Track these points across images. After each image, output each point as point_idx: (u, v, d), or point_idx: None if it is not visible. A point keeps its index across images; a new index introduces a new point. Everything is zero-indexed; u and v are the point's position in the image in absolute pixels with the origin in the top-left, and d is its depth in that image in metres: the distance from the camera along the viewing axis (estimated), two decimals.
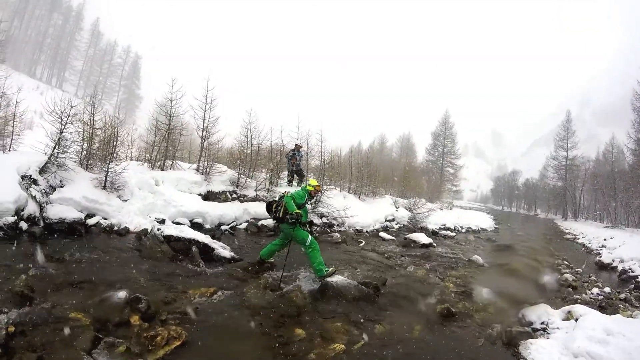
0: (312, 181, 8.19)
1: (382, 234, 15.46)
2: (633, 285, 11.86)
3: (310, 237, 7.36)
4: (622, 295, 10.04)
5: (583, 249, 22.46)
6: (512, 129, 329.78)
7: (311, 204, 8.88)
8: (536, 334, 6.11)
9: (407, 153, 71.70)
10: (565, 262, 14.75)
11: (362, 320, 5.74)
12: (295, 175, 16.88)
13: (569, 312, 6.65)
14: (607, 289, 10.52)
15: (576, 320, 6.24)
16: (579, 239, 28.08)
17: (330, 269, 7.16)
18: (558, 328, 6.22)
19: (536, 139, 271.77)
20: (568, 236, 30.29)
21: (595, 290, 10.24)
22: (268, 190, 14.64)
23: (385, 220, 18.50)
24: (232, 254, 8.30)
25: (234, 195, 13.52)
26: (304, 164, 18.15)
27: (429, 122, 68.12)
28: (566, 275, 11.59)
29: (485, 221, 31.28)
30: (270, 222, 12.78)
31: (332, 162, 19.57)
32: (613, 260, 15.81)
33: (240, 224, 12.39)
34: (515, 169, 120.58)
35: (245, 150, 15.78)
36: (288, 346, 4.60)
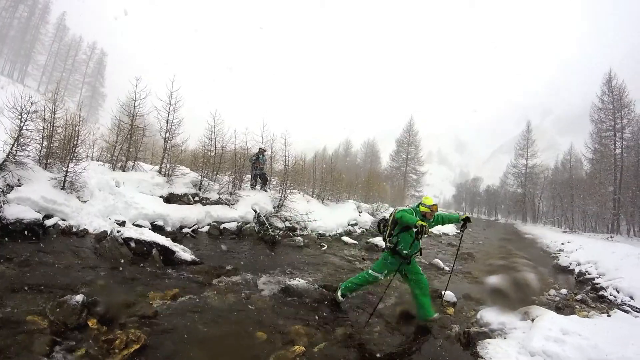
0: (428, 199, 6.24)
1: (345, 238, 15.53)
2: (589, 287, 12.33)
3: (383, 272, 6.42)
4: (579, 297, 10.37)
5: (542, 252, 23.09)
6: (476, 137, 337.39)
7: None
8: (494, 334, 6.25)
9: (371, 159, 72.66)
10: (524, 260, 15.04)
11: (323, 323, 5.78)
12: (258, 179, 16.85)
13: (525, 312, 6.86)
14: (564, 291, 10.90)
15: (533, 320, 6.44)
16: (538, 242, 28.94)
17: (435, 315, 6.32)
18: (515, 328, 6.38)
19: (499, 146, 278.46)
20: (527, 240, 31.19)
21: (552, 291, 10.60)
22: (231, 194, 14.51)
23: (348, 225, 18.59)
24: (194, 257, 8.20)
25: (197, 198, 13.38)
26: (268, 168, 18.12)
27: (394, 130, 68.94)
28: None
29: (446, 226, 31.79)
30: (232, 225, 12.73)
31: (296, 167, 19.57)
32: (570, 264, 16.36)
33: (202, 227, 12.28)
34: (477, 176, 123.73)
35: (208, 153, 15.59)
36: (248, 349, 4.60)
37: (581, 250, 19.58)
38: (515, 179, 62.57)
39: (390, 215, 6.31)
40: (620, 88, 40.33)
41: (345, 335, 5.50)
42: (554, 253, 21.47)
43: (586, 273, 14.27)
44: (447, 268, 12.17)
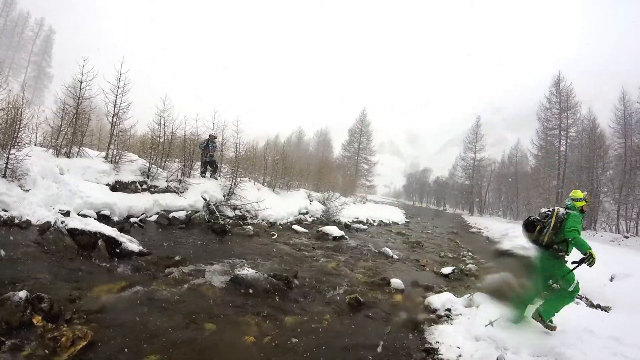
0: (578, 193, 6.02)
1: (296, 227, 15.55)
2: None
3: (575, 283, 5.50)
4: None
5: (487, 241, 24.10)
6: (428, 130, 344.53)
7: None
8: (440, 320, 6.49)
9: (324, 148, 72.79)
10: (470, 254, 15.75)
11: (272, 313, 5.80)
12: (208, 167, 16.51)
13: (470, 299, 7.19)
14: None
15: (477, 307, 6.74)
16: (483, 232, 30.24)
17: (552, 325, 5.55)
18: (461, 314, 6.67)
19: (449, 140, 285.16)
20: (473, 230, 32.58)
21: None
22: (180, 182, 14.17)
23: (299, 213, 18.67)
24: (141, 247, 7.97)
25: (145, 186, 12.95)
26: (219, 155, 17.78)
27: (348, 120, 69.19)
28: (470, 265, 12.36)
29: (396, 215, 32.51)
30: (182, 214, 12.45)
31: (248, 154, 19.38)
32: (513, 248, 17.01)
33: (151, 216, 11.92)
34: (427, 167, 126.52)
35: (157, 139, 15.06)
36: (198, 341, 4.57)
37: (523, 239, 20.43)
38: (463, 171, 64.73)
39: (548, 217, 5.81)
40: (567, 90, 42.94)
41: (295, 324, 5.55)
42: (498, 241, 22.25)
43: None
44: (395, 256, 12.41)
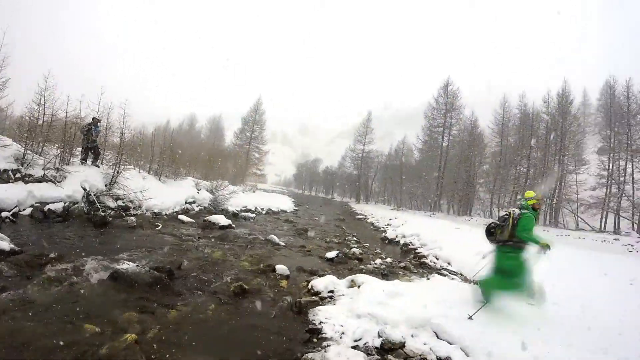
0: (530, 193, 6.76)
1: (182, 217, 15.30)
2: (412, 256, 13.97)
3: (525, 273, 6.27)
4: (402, 264, 11.76)
5: (372, 227, 25.34)
6: (321, 122, 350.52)
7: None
8: (324, 301, 6.81)
9: (215, 135, 71.54)
10: (355, 239, 16.65)
11: (155, 307, 5.67)
12: (90, 153, 15.23)
13: (352, 280, 7.66)
14: (389, 260, 12.20)
15: (359, 287, 7.20)
16: (369, 219, 31.73)
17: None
18: (343, 295, 7.08)
19: (341, 132, 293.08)
20: (360, 217, 33.99)
21: (379, 261, 11.79)
22: (58, 170, 12.98)
23: (186, 203, 18.28)
24: (12, 245, 7.31)
25: (18, 175, 11.69)
26: (102, 140, 16.50)
27: (242, 109, 68.18)
28: (354, 249, 13.06)
29: (285, 203, 32.98)
30: (59, 206, 11.51)
31: (134, 140, 18.56)
32: (396, 236, 18.40)
33: (24, 209, 10.76)
34: (318, 157, 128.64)
35: (36, 121, 13.63)
36: (77, 345, 4.30)
37: (407, 225, 22.08)
38: (352, 161, 69.06)
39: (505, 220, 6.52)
40: (454, 93, 48.37)
41: (179, 317, 5.49)
42: (383, 228, 23.44)
43: (410, 244, 16.26)
44: (282, 243, 12.67)
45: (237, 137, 58.51)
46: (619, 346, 5.17)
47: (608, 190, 32.25)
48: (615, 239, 22.22)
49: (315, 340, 5.24)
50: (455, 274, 11.33)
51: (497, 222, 6.71)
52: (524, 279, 6.22)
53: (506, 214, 6.64)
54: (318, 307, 6.27)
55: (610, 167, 32.48)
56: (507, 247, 6.40)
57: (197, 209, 18.58)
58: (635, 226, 28.20)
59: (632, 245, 19.93)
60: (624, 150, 31.67)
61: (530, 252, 6.16)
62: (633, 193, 29.63)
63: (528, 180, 36.69)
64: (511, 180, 38.90)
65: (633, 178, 30.06)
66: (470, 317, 5.86)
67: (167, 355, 4.36)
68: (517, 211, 6.51)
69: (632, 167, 30.45)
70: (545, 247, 5.82)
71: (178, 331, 5.01)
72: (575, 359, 4.75)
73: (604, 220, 30.96)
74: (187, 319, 5.44)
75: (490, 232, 6.73)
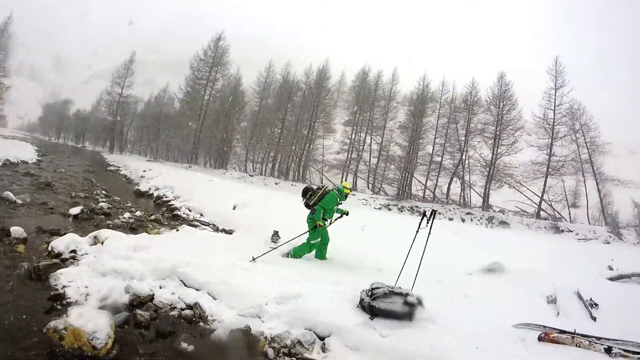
0: (347, 184, 9.14)
1: None
2: (165, 209, 14.05)
3: (317, 239, 8.11)
4: (153, 217, 11.69)
5: (125, 179, 24.35)
6: (78, 55, 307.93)
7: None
8: (66, 263, 6.27)
9: None
10: (104, 192, 15.52)
11: None
12: None
13: (95, 237, 7.17)
14: (139, 213, 11.88)
15: (102, 243, 6.85)
16: (122, 170, 30.24)
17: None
18: (87, 253, 6.63)
19: (99, 70, 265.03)
20: (112, 168, 32.08)
21: (127, 215, 11.30)
22: None
23: None
24: None
25: None
26: None
27: None
28: (102, 204, 12.18)
29: (27, 153, 29.07)
30: None
31: None
32: (150, 189, 18.08)
33: None
34: (69, 98, 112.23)
35: None
36: None
37: (161, 177, 21.86)
38: (107, 106, 60.05)
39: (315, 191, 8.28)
40: (224, 48, 48.57)
41: None
42: (136, 180, 22.73)
43: (164, 196, 16.26)
44: (20, 201, 10.83)
45: None
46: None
47: (349, 155, 38.90)
48: (352, 194, 26.00)
49: (59, 307, 4.86)
50: (208, 224, 11.89)
51: (313, 188, 8.34)
52: (315, 238, 8.09)
53: (321, 185, 8.38)
54: (60, 270, 5.71)
55: (353, 137, 39.82)
56: (310, 213, 8.13)
57: None
58: (370, 185, 37.16)
59: (365, 200, 30.42)
60: (365, 125, 39.44)
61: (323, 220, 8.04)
62: (370, 159, 38.49)
63: (281, 140, 41.44)
64: (266, 138, 42.61)
65: (370, 148, 39.57)
66: (253, 260, 7.05)
67: None
68: (330, 187, 8.33)
69: (371, 139, 39.70)
70: (320, 225, 7.89)
71: None
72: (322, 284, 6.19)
73: (344, 179, 38.02)
74: None
75: (305, 193, 8.35)
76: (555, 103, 32.29)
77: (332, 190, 8.26)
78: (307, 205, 8.30)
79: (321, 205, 7.97)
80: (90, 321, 4.10)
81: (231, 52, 49.11)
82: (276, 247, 8.23)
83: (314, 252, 8.29)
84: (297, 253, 8.07)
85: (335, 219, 8.54)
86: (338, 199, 8.21)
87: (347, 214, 8.45)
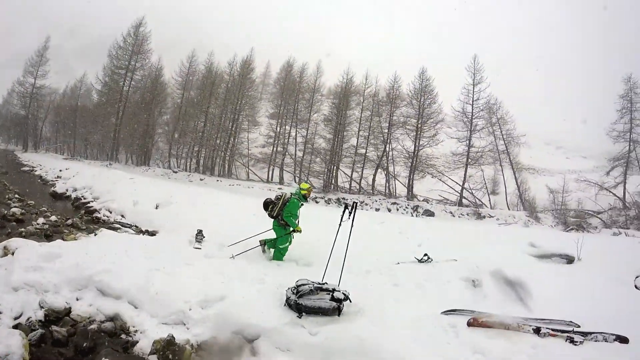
0: (305, 184, 9.11)
1: None
2: (84, 211, 13.28)
3: (287, 243, 8.60)
4: (69, 221, 10.92)
5: (40, 180, 22.87)
6: None
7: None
8: None
9: None
10: (17, 196, 14.52)
11: None
12: None
13: (5, 247, 6.62)
14: (54, 218, 11.06)
15: (13, 254, 6.33)
16: (37, 170, 28.21)
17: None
18: None
19: (12, 57, 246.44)
20: (26, 168, 29.99)
21: (42, 220, 10.56)
22: None
23: None
24: None
25: None
26: None
27: None
28: (14, 209, 11.38)
29: None
30: None
31: None
32: (67, 190, 17.03)
33: None
34: None
35: None
36: None
37: (79, 176, 20.69)
38: (19, 98, 55.02)
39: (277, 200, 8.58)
40: (144, 35, 45.17)
41: None
42: (52, 181, 21.49)
43: (82, 198, 15.43)
44: None
45: None
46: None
47: (274, 148, 38.70)
48: (279, 188, 27.84)
49: None
50: (130, 226, 11.50)
51: (273, 200, 8.63)
52: (285, 243, 8.55)
53: (280, 195, 8.67)
54: None
55: (278, 130, 39.53)
56: (276, 220, 8.53)
57: None
58: (297, 178, 37.15)
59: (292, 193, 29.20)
60: (290, 118, 39.26)
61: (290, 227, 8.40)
62: (295, 152, 38.35)
63: (204, 133, 40.69)
64: (190, 132, 41.92)
65: (296, 140, 39.17)
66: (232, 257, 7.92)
67: None
68: (288, 195, 8.58)
69: (296, 132, 39.37)
70: (298, 230, 8.35)
71: None
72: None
73: (271, 172, 38.42)
74: None
75: (267, 206, 8.60)
76: (473, 98, 34.42)
77: (292, 196, 8.59)
78: (271, 216, 8.63)
79: (286, 213, 8.34)
80: (1, 343, 3.92)
81: (153, 38, 46.22)
82: (200, 248, 8.64)
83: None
84: (277, 258, 8.61)
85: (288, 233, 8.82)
86: (300, 203, 8.60)
87: (299, 231, 8.56)
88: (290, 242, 8.63)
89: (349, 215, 7.04)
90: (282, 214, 8.38)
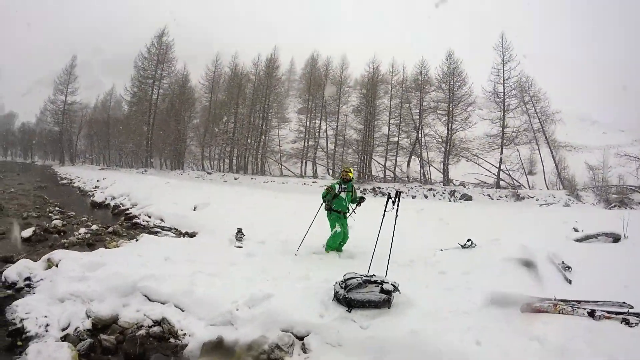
0: (345, 167, 10.06)
1: None
2: (123, 218, 13.30)
3: (335, 228, 8.29)
4: (110, 229, 10.91)
5: (79, 191, 23.39)
6: (17, 64, 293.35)
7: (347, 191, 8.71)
8: (22, 293, 5.75)
9: None
10: (58, 208, 14.64)
11: None
12: None
13: (49, 259, 6.61)
14: (95, 227, 11.02)
15: (57, 265, 6.32)
16: (75, 182, 28.97)
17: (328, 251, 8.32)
18: (42, 279, 6.08)
19: (41, 77, 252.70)
20: (64, 181, 30.78)
21: (83, 230, 10.57)
22: None
23: None
24: None
25: None
26: None
27: None
28: (56, 221, 11.39)
29: None
30: None
31: None
32: (106, 199, 17.34)
33: None
34: (13, 111, 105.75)
35: None
36: None
37: (116, 185, 21.00)
38: (52, 116, 57.46)
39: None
40: (168, 44, 46.77)
41: None
42: (90, 191, 21.85)
43: (121, 205, 15.55)
44: None
45: None
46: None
47: (306, 143, 38.78)
48: (313, 182, 28.67)
49: (19, 342, 4.46)
50: (170, 229, 11.51)
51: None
52: (332, 229, 8.30)
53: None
54: (16, 302, 5.19)
55: (308, 124, 39.49)
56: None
57: None
58: (330, 171, 37.31)
59: (327, 186, 28.89)
60: (319, 112, 39.17)
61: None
62: (327, 145, 38.51)
63: (235, 133, 41.12)
64: (220, 133, 42.40)
65: (327, 133, 39.21)
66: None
67: None
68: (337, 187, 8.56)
69: (326, 125, 39.24)
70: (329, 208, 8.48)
71: None
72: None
73: (304, 167, 38.65)
74: None
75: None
76: (504, 77, 33.32)
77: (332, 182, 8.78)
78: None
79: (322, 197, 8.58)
80: (50, 357, 3.84)
81: (176, 47, 47.53)
82: (241, 246, 8.48)
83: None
84: (330, 246, 8.33)
85: (354, 210, 8.77)
86: (337, 186, 8.54)
87: (360, 201, 8.80)
88: (335, 227, 8.35)
89: (393, 205, 6.81)
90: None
